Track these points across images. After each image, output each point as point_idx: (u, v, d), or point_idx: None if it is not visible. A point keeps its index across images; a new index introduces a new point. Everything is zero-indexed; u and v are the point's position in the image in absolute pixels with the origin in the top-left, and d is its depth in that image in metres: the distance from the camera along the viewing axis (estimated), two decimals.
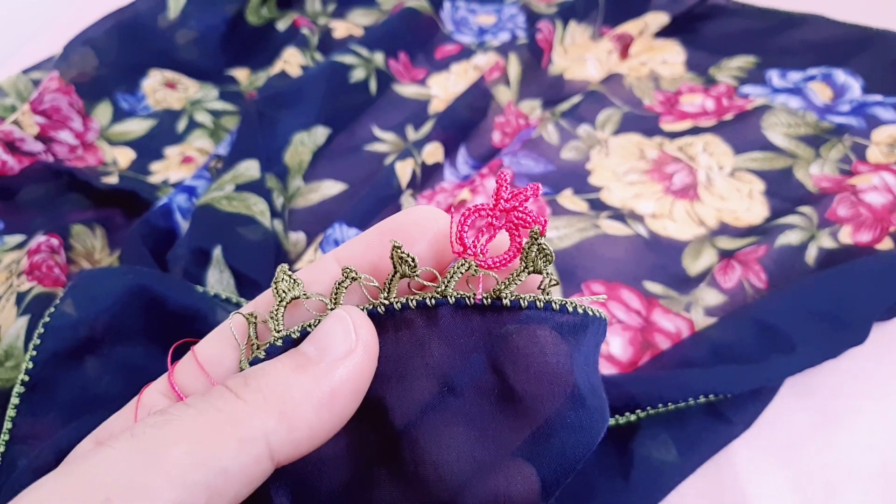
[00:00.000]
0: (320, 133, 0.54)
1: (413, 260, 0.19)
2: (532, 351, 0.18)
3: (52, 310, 0.30)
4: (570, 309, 0.19)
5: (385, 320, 0.19)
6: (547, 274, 0.19)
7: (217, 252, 0.40)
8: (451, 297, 0.19)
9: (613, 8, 0.64)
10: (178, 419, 0.16)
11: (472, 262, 0.19)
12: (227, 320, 0.21)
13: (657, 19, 0.62)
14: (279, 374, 0.18)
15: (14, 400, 0.29)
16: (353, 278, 0.19)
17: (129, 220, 0.48)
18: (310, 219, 0.48)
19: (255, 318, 0.20)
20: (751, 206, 0.46)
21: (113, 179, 0.51)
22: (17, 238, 0.46)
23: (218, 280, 0.40)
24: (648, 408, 0.33)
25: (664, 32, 0.62)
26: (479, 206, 0.20)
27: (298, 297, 0.20)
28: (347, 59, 0.58)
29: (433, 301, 0.19)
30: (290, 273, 0.20)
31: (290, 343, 0.19)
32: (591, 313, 0.19)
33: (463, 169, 0.52)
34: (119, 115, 0.57)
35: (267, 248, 0.43)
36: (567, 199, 0.48)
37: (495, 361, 0.19)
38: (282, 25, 0.66)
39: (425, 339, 0.19)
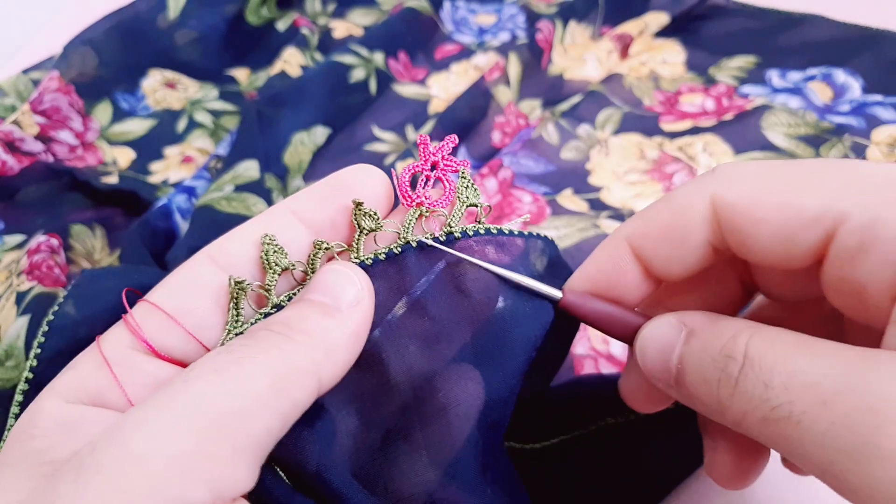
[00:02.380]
0: (320, 133, 0.54)
1: (375, 214, 0.22)
2: (477, 265, 0.22)
3: (56, 308, 0.30)
4: (507, 231, 0.23)
5: None
6: (480, 205, 0.23)
7: None
8: (413, 241, 0.22)
9: (613, 8, 0.64)
10: (251, 357, 0.18)
11: (423, 208, 0.22)
12: (185, 271, 0.22)
13: (657, 19, 0.62)
14: (315, 319, 0.20)
15: (18, 398, 0.29)
16: (325, 248, 0.22)
17: (129, 220, 0.48)
18: None
19: (246, 284, 0.21)
20: None
21: (113, 179, 0.51)
22: (17, 238, 0.46)
23: None
24: None
25: (664, 32, 0.62)
26: (413, 165, 0.23)
27: (288, 269, 0.22)
28: (347, 58, 0.58)
29: (399, 249, 0.22)
30: (277, 244, 0.21)
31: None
32: (524, 233, 0.23)
33: None
34: (119, 115, 0.57)
35: None
36: (567, 198, 0.48)
37: (452, 281, 0.22)
38: (282, 25, 0.66)
39: (399, 283, 0.22)
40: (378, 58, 0.60)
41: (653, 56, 0.60)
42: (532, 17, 0.66)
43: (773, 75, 0.56)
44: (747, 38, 0.60)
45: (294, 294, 0.22)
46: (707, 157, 0.49)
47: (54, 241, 0.43)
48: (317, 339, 0.19)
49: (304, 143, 0.53)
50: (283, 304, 0.22)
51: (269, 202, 0.46)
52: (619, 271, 0.22)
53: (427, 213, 0.23)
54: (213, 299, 0.21)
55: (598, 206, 0.47)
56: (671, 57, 0.60)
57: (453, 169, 0.23)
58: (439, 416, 0.21)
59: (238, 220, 0.43)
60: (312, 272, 0.22)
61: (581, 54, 0.61)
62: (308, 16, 0.68)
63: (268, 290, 0.21)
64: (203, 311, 0.21)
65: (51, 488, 0.16)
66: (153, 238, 0.43)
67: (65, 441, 0.18)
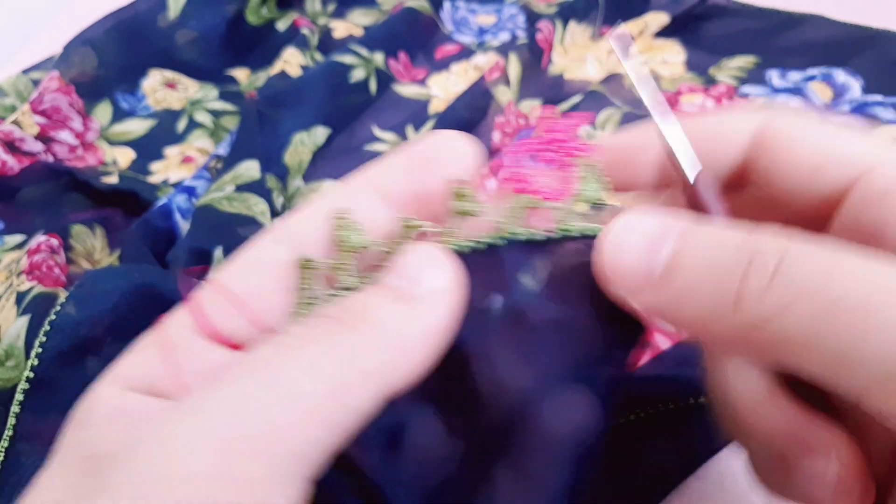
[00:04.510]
0: (320, 133, 0.54)
1: (475, 195, 0.19)
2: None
3: (58, 308, 0.30)
4: None
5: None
6: (603, 203, 0.20)
7: (218, 253, 0.40)
8: (518, 235, 0.19)
9: (613, 8, 0.64)
10: (298, 354, 0.15)
11: (531, 197, 0.19)
12: (254, 251, 0.19)
13: (657, 19, 0.62)
14: (385, 306, 0.17)
15: (18, 397, 0.29)
16: (415, 228, 0.19)
17: (129, 220, 0.48)
18: None
19: (314, 264, 0.19)
20: None
21: (113, 179, 0.51)
22: (17, 238, 0.46)
23: None
24: (648, 407, 0.33)
25: (664, 32, 0.62)
26: (528, 141, 0.20)
27: (367, 248, 0.19)
28: (347, 59, 0.57)
29: (504, 241, 0.19)
30: (351, 220, 0.19)
31: None
32: None
33: None
34: (119, 114, 0.57)
35: None
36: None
37: (562, 286, 0.18)
38: (282, 25, 0.66)
39: (496, 281, 0.19)
40: (378, 58, 0.60)
41: (653, 56, 0.60)
42: (532, 18, 0.66)
43: (773, 75, 0.56)
44: (747, 38, 0.60)
45: (366, 280, 0.19)
46: None
47: (54, 241, 0.43)
48: (385, 330, 0.16)
49: (304, 143, 0.53)
50: (354, 286, 0.19)
51: (270, 202, 0.46)
52: (643, 149, 0.20)
53: (537, 206, 0.19)
54: (282, 281, 0.19)
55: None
56: (671, 57, 0.60)
57: (579, 153, 0.20)
58: (539, 443, 0.17)
59: (239, 219, 0.43)
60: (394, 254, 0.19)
61: (581, 54, 0.61)
62: (308, 16, 0.68)
63: (339, 271, 0.19)
64: (270, 293, 0.19)
65: None
66: (154, 238, 0.43)
67: (116, 431, 0.16)
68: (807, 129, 0.19)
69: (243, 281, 0.19)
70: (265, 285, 0.19)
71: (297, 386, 0.15)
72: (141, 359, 0.18)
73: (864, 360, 0.14)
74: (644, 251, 0.17)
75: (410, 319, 0.16)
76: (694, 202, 0.19)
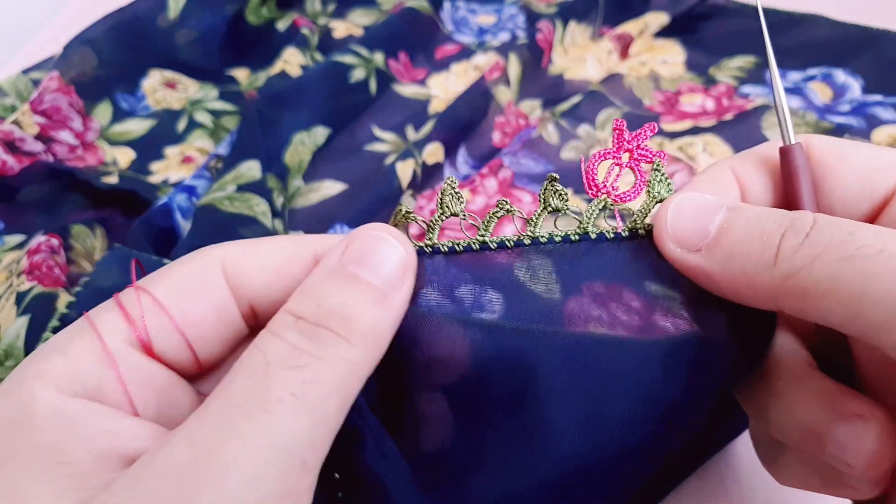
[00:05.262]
0: (320, 133, 0.54)
1: (566, 194, 0.22)
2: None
3: (65, 311, 0.31)
4: None
5: (528, 251, 0.21)
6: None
7: None
8: (592, 233, 0.22)
9: (613, 8, 0.64)
10: (322, 375, 0.17)
11: (608, 199, 0.22)
12: (195, 272, 0.20)
13: (657, 19, 0.62)
14: (369, 313, 0.19)
15: None
16: (507, 210, 0.22)
17: (129, 220, 0.48)
18: (310, 219, 0.48)
19: (413, 216, 0.21)
20: None
21: (113, 179, 0.51)
22: (17, 238, 0.46)
23: None
24: None
25: (664, 32, 0.62)
26: (604, 151, 0.22)
27: (457, 215, 0.21)
28: (347, 59, 0.57)
29: (577, 236, 0.22)
30: (457, 189, 0.22)
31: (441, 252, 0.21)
32: None
33: (463, 169, 0.52)
34: (119, 114, 0.57)
35: None
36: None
37: (631, 283, 0.21)
38: (282, 25, 0.66)
39: (569, 273, 0.21)
40: (378, 58, 0.60)
41: (653, 56, 0.60)
42: (532, 17, 0.66)
43: None
44: (747, 38, 0.60)
45: (458, 245, 0.21)
46: (707, 158, 0.49)
47: (54, 241, 0.43)
48: (372, 338, 0.19)
49: (305, 142, 0.53)
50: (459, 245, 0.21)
51: (271, 202, 0.46)
52: (722, 192, 0.22)
53: (612, 207, 0.22)
54: (218, 313, 0.20)
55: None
56: (671, 57, 0.60)
57: (648, 159, 0.22)
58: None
59: (241, 220, 0.43)
60: (486, 230, 0.22)
61: (581, 54, 0.61)
62: (308, 16, 0.68)
63: (430, 229, 0.21)
64: (208, 324, 0.20)
65: None
66: (155, 236, 0.43)
67: (72, 439, 0.17)
68: (846, 145, 0.22)
69: (181, 303, 0.20)
70: (202, 315, 0.20)
71: (325, 407, 0.17)
72: (79, 365, 0.18)
73: (879, 298, 0.16)
74: (700, 217, 0.20)
75: (388, 319, 0.19)
76: (786, 166, 0.22)
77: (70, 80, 0.54)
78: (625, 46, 0.60)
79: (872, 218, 0.21)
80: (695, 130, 0.51)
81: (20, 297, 0.38)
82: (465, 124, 0.54)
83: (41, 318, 0.36)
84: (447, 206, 0.21)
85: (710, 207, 0.20)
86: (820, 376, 0.21)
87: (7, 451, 0.16)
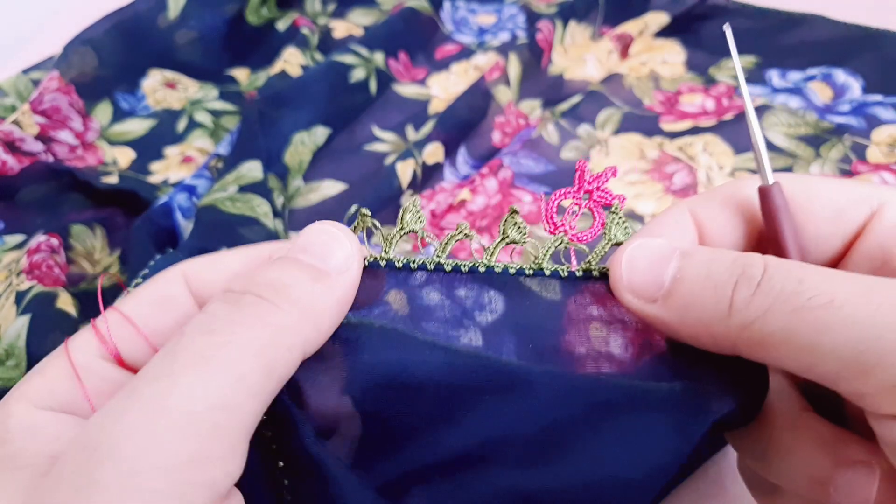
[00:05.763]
0: (320, 133, 0.54)
1: (525, 228, 0.22)
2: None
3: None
4: None
5: (479, 278, 0.22)
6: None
7: None
8: (546, 269, 0.22)
9: (613, 8, 0.64)
10: (237, 339, 0.17)
11: (565, 238, 0.22)
12: (160, 287, 0.22)
13: (657, 19, 0.62)
14: (304, 285, 0.19)
15: None
16: (465, 234, 0.22)
17: (129, 220, 0.48)
18: (310, 219, 0.48)
19: (371, 220, 0.22)
20: None
21: (113, 179, 0.51)
22: (17, 238, 0.46)
23: None
24: None
25: (664, 32, 0.62)
26: (565, 190, 0.23)
27: (416, 232, 0.22)
28: (347, 58, 0.58)
29: (531, 271, 0.22)
30: (419, 208, 0.22)
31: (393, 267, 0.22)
32: None
33: (463, 169, 0.52)
34: (119, 114, 0.57)
35: None
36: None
37: (581, 326, 0.21)
38: (282, 25, 0.66)
39: (520, 308, 0.21)
40: (378, 58, 0.60)
41: (653, 56, 0.60)
42: (532, 17, 0.66)
43: (773, 75, 0.56)
44: (747, 38, 0.60)
45: (413, 263, 0.22)
46: (707, 157, 0.49)
47: (54, 241, 0.43)
48: (305, 307, 0.18)
49: (305, 142, 0.53)
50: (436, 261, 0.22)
51: (272, 203, 0.46)
52: (678, 235, 0.22)
53: (567, 245, 0.22)
54: (183, 321, 0.21)
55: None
56: (671, 57, 0.60)
57: (606, 202, 0.22)
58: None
59: (242, 220, 0.43)
60: (442, 252, 0.22)
61: (581, 54, 0.61)
62: (308, 16, 0.68)
63: (388, 242, 0.22)
64: (174, 331, 0.20)
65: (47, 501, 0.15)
66: (155, 236, 0.43)
67: (34, 445, 0.17)
68: (814, 183, 0.21)
69: (147, 315, 0.21)
70: (166, 325, 0.21)
71: (240, 369, 0.17)
72: (52, 381, 0.19)
73: (832, 350, 0.16)
74: (654, 267, 0.20)
75: (326, 296, 0.19)
76: (766, 206, 0.21)
77: (70, 80, 0.54)
78: (625, 46, 0.60)
79: (843, 253, 0.21)
80: (695, 130, 0.51)
81: (20, 296, 0.38)
82: (465, 124, 0.54)
83: (41, 318, 0.36)
84: (406, 223, 0.22)
85: (662, 255, 0.20)
86: (815, 420, 0.21)
87: None
